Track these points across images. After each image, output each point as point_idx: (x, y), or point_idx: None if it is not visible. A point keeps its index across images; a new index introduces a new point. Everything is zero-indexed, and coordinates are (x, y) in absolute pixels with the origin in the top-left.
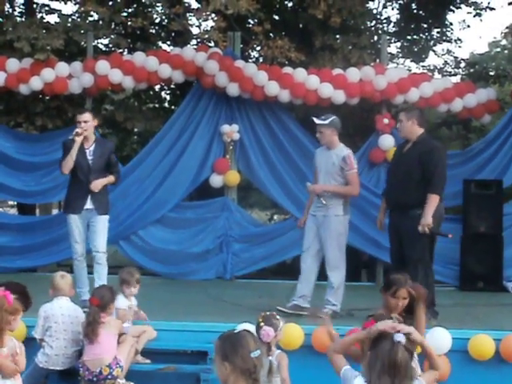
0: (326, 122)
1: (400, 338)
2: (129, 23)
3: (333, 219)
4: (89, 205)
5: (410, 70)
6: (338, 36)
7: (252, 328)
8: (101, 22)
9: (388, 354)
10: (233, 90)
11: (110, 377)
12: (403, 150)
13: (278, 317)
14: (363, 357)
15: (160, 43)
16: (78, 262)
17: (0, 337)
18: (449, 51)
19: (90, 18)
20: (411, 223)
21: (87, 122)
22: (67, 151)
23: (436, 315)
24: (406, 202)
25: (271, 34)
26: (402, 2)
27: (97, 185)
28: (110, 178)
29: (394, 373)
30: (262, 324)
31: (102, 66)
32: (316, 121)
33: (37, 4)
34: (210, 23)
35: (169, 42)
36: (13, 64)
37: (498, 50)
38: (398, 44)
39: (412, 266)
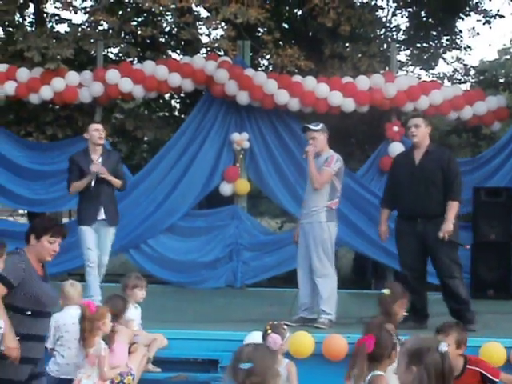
0: (319, 127)
1: (444, 346)
2: (139, 32)
3: (316, 225)
4: (102, 216)
5: (419, 78)
6: (347, 44)
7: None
8: (111, 31)
9: (438, 366)
10: (242, 98)
11: None
12: (416, 160)
13: (285, 327)
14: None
15: (170, 52)
16: (90, 268)
17: (89, 339)
18: (458, 59)
19: (100, 28)
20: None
21: (104, 130)
22: (75, 167)
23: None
24: (433, 211)
25: (281, 43)
26: (411, 9)
27: (99, 168)
28: (117, 180)
29: (443, 382)
30: (270, 331)
31: (112, 75)
32: (311, 127)
33: (47, 14)
34: (220, 32)
35: (178, 51)
36: (23, 73)
37: (508, 57)
38: (408, 52)
39: (453, 273)
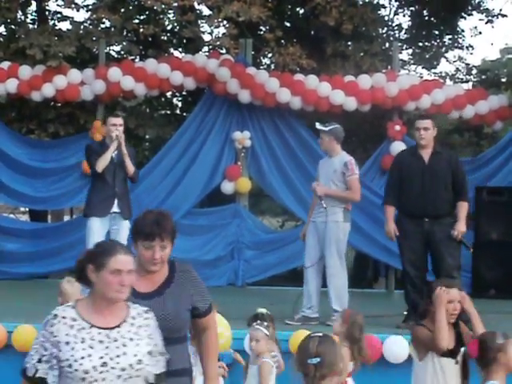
0: (326, 129)
1: None
2: (141, 30)
3: (332, 225)
4: (115, 208)
5: (421, 77)
6: (349, 43)
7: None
8: (113, 29)
9: None
10: (244, 96)
11: None
12: (425, 159)
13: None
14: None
15: (172, 50)
16: None
17: None
18: (460, 58)
19: (102, 25)
20: (447, 231)
21: (122, 125)
22: (93, 153)
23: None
24: (442, 210)
25: (283, 41)
26: (413, 8)
27: (121, 132)
28: (131, 164)
29: None
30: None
31: (114, 72)
32: (318, 126)
33: (49, 11)
34: (222, 30)
35: (180, 49)
36: (25, 71)
37: (510, 56)
38: (410, 51)
39: (452, 272)
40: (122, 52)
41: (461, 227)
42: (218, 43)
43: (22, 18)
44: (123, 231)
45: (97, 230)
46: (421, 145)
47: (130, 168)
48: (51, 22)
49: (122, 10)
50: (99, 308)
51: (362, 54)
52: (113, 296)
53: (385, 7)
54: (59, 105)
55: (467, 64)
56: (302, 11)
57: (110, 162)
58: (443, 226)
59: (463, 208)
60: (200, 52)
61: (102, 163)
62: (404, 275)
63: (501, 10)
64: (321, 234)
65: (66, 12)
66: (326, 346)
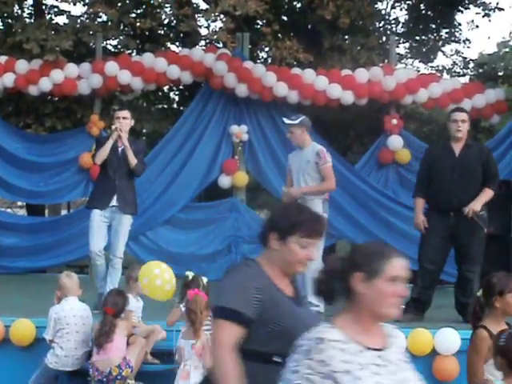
0: (297, 121)
1: None
2: (137, 24)
3: None
4: (114, 202)
5: (418, 71)
6: (346, 37)
7: None
8: (109, 23)
9: None
10: (241, 90)
11: (119, 377)
12: (455, 152)
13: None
14: None
15: (169, 44)
16: (91, 258)
17: (199, 330)
18: (457, 52)
19: (99, 19)
20: (474, 224)
21: (126, 118)
22: (99, 146)
23: None
24: (469, 204)
25: (280, 35)
26: (410, 2)
27: (119, 124)
28: (133, 156)
29: None
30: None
31: (111, 67)
32: (286, 121)
33: (46, 5)
34: (219, 24)
35: (177, 43)
36: (22, 65)
37: (507, 50)
38: (407, 44)
39: (474, 267)
40: (119, 46)
41: (474, 206)
42: (215, 37)
43: (19, 12)
44: (123, 227)
45: (97, 223)
46: (456, 137)
47: (132, 161)
48: (48, 16)
49: (119, 4)
50: (366, 325)
51: (358, 47)
52: (386, 311)
53: (382, 1)
54: (56, 99)
55: (464, 58)
56: (298, 5)
57: (113, 155)
58: (469, 219)
59: (485, 193)
60: (197, 46)
61: (100, 155)
62: (420, 269)
63: (498, 3)
64: None
65: (63, 6)
66: None
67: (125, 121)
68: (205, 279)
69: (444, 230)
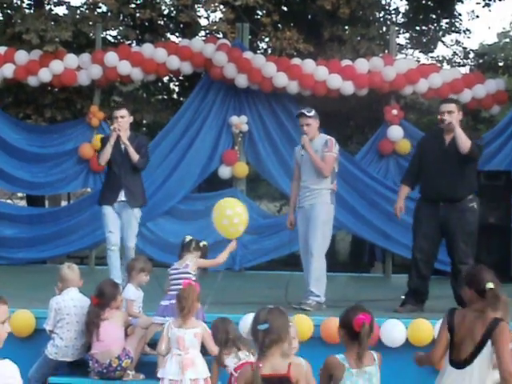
0: (312, 113)
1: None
2: (137, 15)
3: (319, 206)
4: (122, 197)
5: (418, 61)
6: (346, 27)
7: None
8: (109, 14)
9: None
10: (241, 81)
11: (119, 368)
12: (446, 142)
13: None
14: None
15: (168, 35)
16: (111, 251)
17: (186, 319)
18: (458, 42)
19: (99, 10)
20: (464, 216)
21: (124, 117)
22: (103, 146)
23: None
24: (458, 193)
25: (280, 26)
26: None
27: (117, 125)
28: (134, 152)
29: None
30: None
31: (111, 57)
32: (307, 113)
33: None
34: (219, 14)
35: (177, 34)
36: (22, 56)
37: (507, 40)
38: (407, 35)
39: (466, 259)
40: (119, 37)
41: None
42: (215, 28)
43: (19, 2)
44: (133, 221)
45: (110, 216)
46: (445, 128)
47: (133, 157)
48: (47, 7)
49: None
50: None
51: (358, 38)
52: None
53: None
54: (56, 90)
55: (464, 48)
56: None
57: (117, 153)
58: (459, 211)
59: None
60: (197, 36)
61: (103, 157)
62: (412, 259)
63: None
64: (308, 217)
65: None
66: (275, 314)
67: (123, 119)
68: (204, 242)
69: (434, 220)
